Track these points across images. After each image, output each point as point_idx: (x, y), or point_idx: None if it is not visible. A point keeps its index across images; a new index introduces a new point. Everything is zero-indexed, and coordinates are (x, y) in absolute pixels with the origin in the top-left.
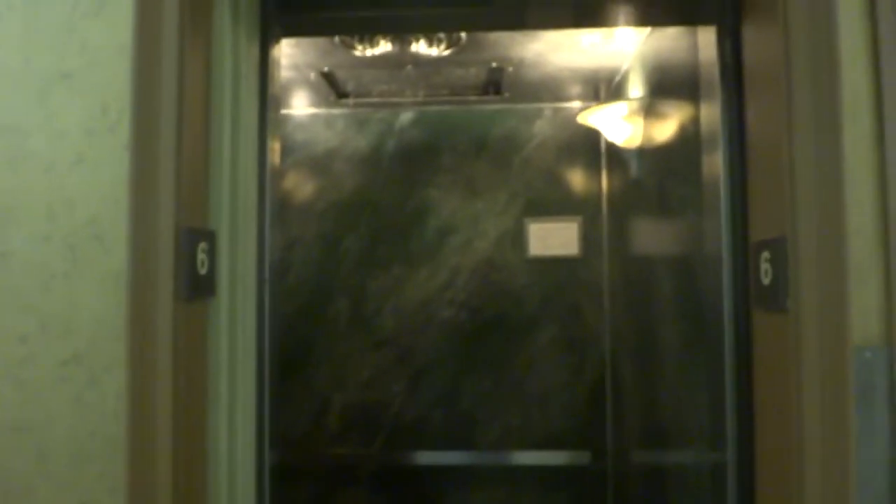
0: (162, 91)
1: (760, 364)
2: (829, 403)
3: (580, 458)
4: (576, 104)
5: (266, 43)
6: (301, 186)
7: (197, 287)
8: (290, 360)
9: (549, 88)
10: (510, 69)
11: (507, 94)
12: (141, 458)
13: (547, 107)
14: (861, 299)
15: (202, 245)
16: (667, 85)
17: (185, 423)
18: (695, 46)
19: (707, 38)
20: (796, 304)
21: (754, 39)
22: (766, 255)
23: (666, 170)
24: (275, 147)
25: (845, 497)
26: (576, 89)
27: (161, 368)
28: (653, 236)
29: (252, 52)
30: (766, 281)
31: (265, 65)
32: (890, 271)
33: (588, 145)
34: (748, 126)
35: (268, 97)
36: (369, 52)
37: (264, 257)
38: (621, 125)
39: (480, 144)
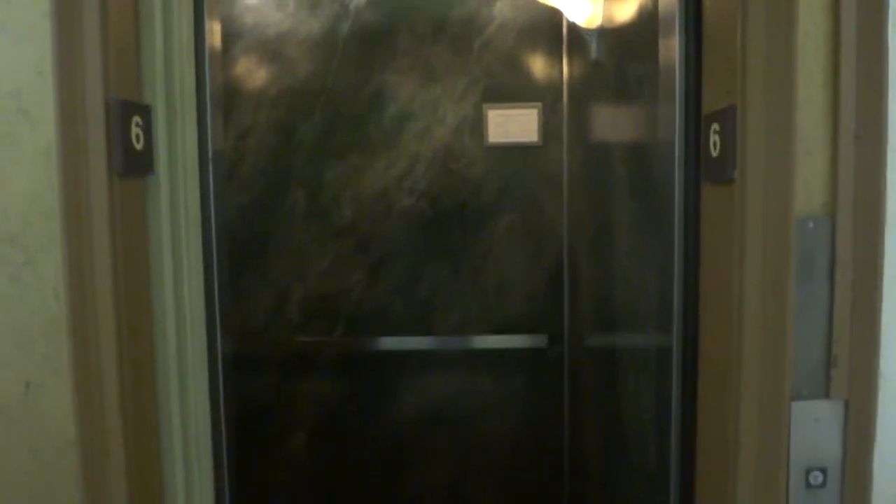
0: None
1: (706, 239)
2: (769, 275)
3: (537, 341)
4: None
5: None
6: (252, 72)
7: (132, 162)
8: (247, 252)
9: None
10: None
11: None
12: (83, 337)
13: None
14: (806, 170)
15: (136, 119)
16: None
17: (127, 301)
18: None
19: None
20: (742, 175)
21: None
22: (715, 126)
23: (625, 51)
24: (214, 27)
25: (781, 365)
26: None
27: (98, 245)
28: (611, 121)
29: None
30: (714, 153)
31: None
32: (837, 143)
33: (550, 29)
34: (704, 1)
35: None
36: None
37: (207, 137)
38: (581, 4)
39: (439, 27)
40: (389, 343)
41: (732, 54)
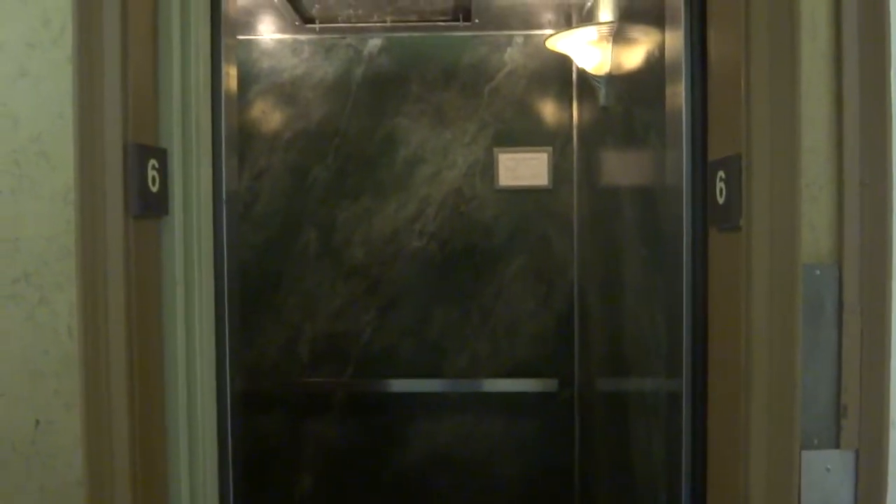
0: (105, 2)
1: (714, 285)
2: (777, 320)
3: (547, 385)
4: (547, 32)
5: None
6: (267, 115)
7: (148, 204)
8: (259, 291)
9: (519, 15)
10: None
11: (477, 21)
12: (95, 374)
13: (518, 34)
14: (813, 217)
15: (152, 162)
16: (635, 10)
17: (138, 340)
18: None
19: None
20: (748, 222)
21: None
22: (721, 174)
23: (633, 97)
24: (230, 71)
25: (791, 414)
26: (547, 16)
27: (112, 284)
28: (620, 165)
29: None
30: (721, 200)
31: None
32: (842, 190)
33: (559, 74)
34: (710, 50)
35: (221, 17)
36: None
37: (221, 179)
38: (590, 51)
39: (450, 73)
40: (399, 385)
41: (737, 103)
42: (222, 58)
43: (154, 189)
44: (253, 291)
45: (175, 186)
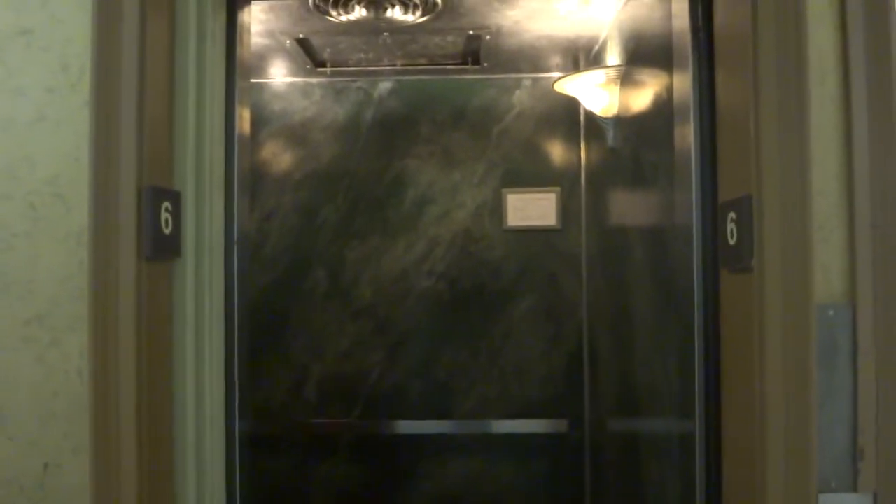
0: (123, 48)
1: (727, 326)
2: (791, 362)
3: (557, 426)
4: (555, 75)
5: (233, 5)
6: (278, 156)
7: (160, 246)
8: (267, 331)
9: (528, 58)
10: (487, 37)
11: (486, 65)
12: (105, 418)
13: (526, 77)
14: (824, 258)
15: (166, 204)
16: (642, 53)
17: (149, 382)
18: (669, 14)
19: (681, 6)
20: (760, 263)
21: (724, 4)
22: (732, 215)
23: (641, 139)
24: (244, 113)
25: (807, 456)
26: (555, 59)
27: (124, 327)
28: (629, 206)
29: (219, 14)
30: (732, 241)
31: (232, 28)
32: (853, 230)
33: (567, 116)
34: (718, 92)
35: (236, 62)
36: (344, 17)
37: (233, 221)
38: (598, 93)
39: (459, 115)
40: (407, 426)
41: (746, 144)
42: (236, 101)
43: (167, 231)
44: (261, 332)
45: (188, 229)
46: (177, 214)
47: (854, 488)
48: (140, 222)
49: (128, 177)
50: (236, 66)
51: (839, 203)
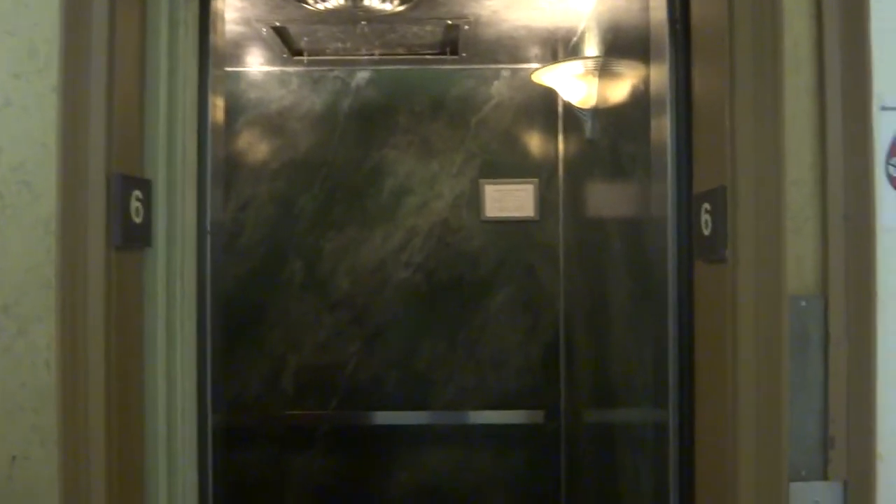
0: (92, 33)
1: (701, 316)
2: (764, 352)
3: (534, 417)
4: (534, 66)
5: None
6: (254, 145)
7: (130, 235)
8: (243, 322)
9: (506, 49)
10: (466, 27)
11: (464, 55)
12: (73, 410)
13: (505, 68)
14: (797, 249)
15: (136, 193)
16: (620, 45)
17: (118, 374)
18: (646, 5)
19: None
20: (734, 254)
21: None
22: (706, 206)
23: (619, 130)
24: (217, 102)
25: (778, 444)
26: (534, 50)
27: (92, 317)
28: (606, 197)
29: (191, 1)
30: (706, 232)
31: (206, 14)
32: (826, 221)
33: (545, 107)
34: (694, 83)
35: (209, 49)
36: (321, 5)
37: (206, 211)
38: (576, 85)
39: (437, 105)
40: (384, 417)
41: (721, 136)
42: (209, 89)
43: (137, 220)
44: (236, 323)
45: (159, 218)
46: (147, 203)
47: (824, 476)
48: (109, 210)
49: (97, 164)
50: (209, 54)
51: (813, 194)
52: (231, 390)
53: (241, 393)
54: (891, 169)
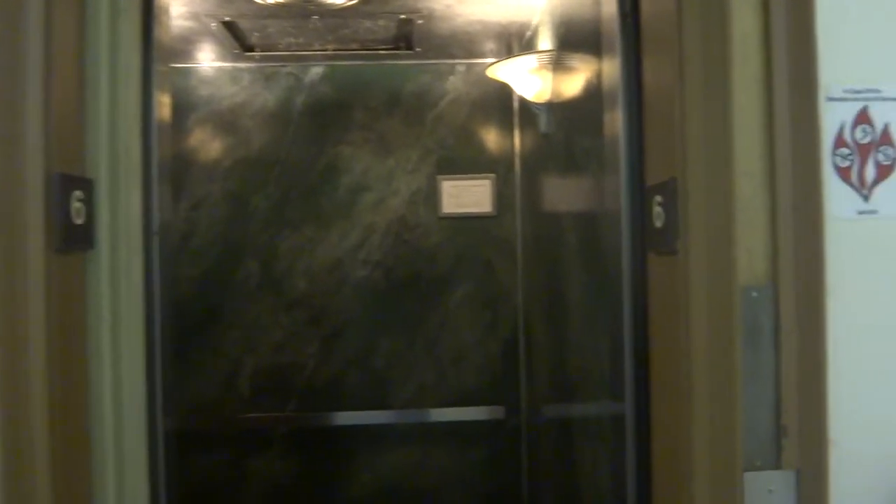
0: (28, 26)
1: (655, 309)
2: (716, 343)
3: (494, 413)
4: (489, 61)
5: None
6: (206, 143)
7: (72, 237)
8: (198, 324)
9: (461, 44)
10: (420, 21)
11: (419, 49)
12: (14, 420)
13: (460, 63)
14: (748, 240)
15: (77, 193)
16: (573, 39)
17: (61, 381)
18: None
19: None
20: (685, 246)
21: None
22: (658, 199)
23: (572, 124)
24: (163, 98)
25: (732, 435)
26: (489, 45)
27: (33, 322)
28: (562, 191)
29: None
30: (658, 225)
31: (149, 8)
32: (776, 212)
33: (501, 102)
34: (645, 77)
35: (152, 44)
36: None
37: (152, 210)
38: (530, 79)
39: (393, 101)
40: (344, 418)
41: (672, 128)
42: (154, 85)
43: (79, 221)
44: (191, 326)
45: (102, 218)
46: (89, 203)
47: (778, 466)
48: (48, 212)
49: (34, 163)
50: (153, 49)
51: (762, 184)
52: (187, 394)
53: (197, 396)
54: (837, 159)
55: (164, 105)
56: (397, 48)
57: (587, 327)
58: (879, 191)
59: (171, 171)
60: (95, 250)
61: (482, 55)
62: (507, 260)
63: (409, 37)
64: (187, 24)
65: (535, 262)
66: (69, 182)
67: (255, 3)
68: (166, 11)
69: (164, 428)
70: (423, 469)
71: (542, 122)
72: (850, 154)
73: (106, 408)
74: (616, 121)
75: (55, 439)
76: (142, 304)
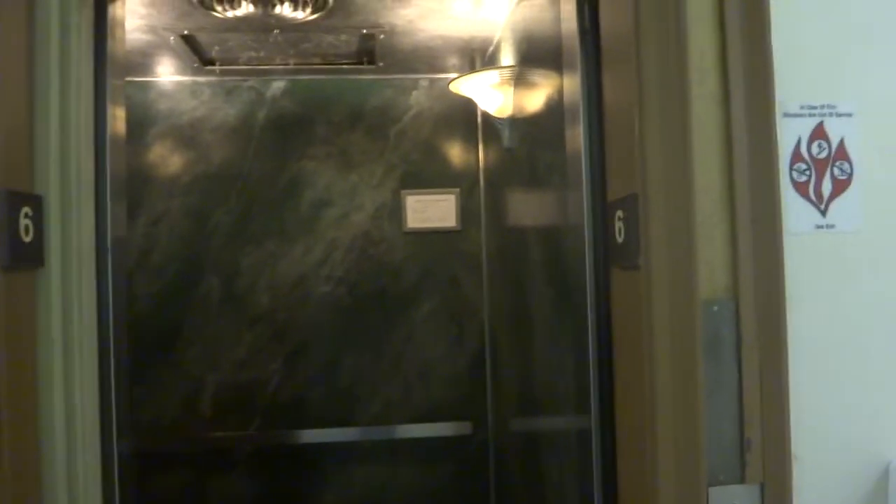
0: None
1: (618, 323)
2: (679, 357)
3: (461, 428)
4: (452, 76)
5: None
6: (166, 158)
7: (20, 255)
8: (158, 342)
9: (424, 59)
10: (381, 36)
11: (381, 64)
12: None
13: (423, 78)
14: (707, 254)
15: (25, 210)
16: (534, 55)
17: (10, 404)
18: (559, 16)
19: (569, 8)
20: (647, 261)
21: (609, 6)
22: (619, 214)
23: (535, 139)
24: (117, 113)
25: (696, 449)
26: (452, 60)
27: None
28: (525, 206)
29: (85, 7)
30: (620, 240)
31: (102, 21)
32: (735, 227)
33: (465, 117)
34: (605, 93)
35: (106, 58)
36: (230, 13)
37: (105, 227)
38: (493, 94)
39: (356, 115)
40: (309, 436)
41: (631, 144)
42: (108, 99)
43: (27, 239)
44: (151, 343)
45: (52, 236)
46: (38, 220)
47: (742, 480)
48: None
49: None
50: (107, 63)
51: (721, 199)
52: (147, 414)
53: (158, 416)
54: (795, 174)
55: (118, 119)
56: (360, 63)
57: (553, 342)
58: (836, 206)
59: (127, 185)
60: (45, 268)
61: (445, 70)
62: (472, 274)
63: (371, 51)
64: (145, 37)
65: (501, 277)
66: (17, 198)
67: (215, 16)
68: (122, 24)
69: (120, 450)
70: (391, 486)
71: (506, 137)
72: (806, 169)
73: (57, 433)
74: (577, 136)
75: (3, 468)
76: (95, 323)
